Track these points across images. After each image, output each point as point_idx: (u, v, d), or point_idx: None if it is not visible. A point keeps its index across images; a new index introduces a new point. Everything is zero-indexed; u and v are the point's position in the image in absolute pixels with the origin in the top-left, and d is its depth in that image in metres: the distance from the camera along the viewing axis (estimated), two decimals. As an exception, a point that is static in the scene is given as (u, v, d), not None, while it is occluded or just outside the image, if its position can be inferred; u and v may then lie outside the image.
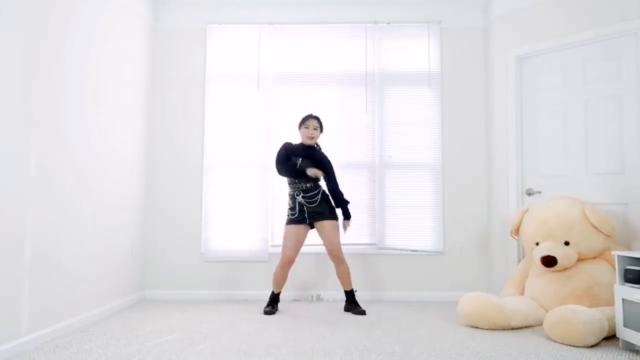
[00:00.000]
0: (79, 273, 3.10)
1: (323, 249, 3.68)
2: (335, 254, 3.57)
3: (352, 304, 3.60)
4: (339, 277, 3.62)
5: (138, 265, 4.03)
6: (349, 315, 3.50)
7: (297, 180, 3.61)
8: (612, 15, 3.38)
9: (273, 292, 3.65)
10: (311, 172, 3.56)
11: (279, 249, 4.10)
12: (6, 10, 2.41)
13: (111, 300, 3.52)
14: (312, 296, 4.12)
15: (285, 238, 3.62)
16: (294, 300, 4.07)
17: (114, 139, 3.58)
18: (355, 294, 3.66)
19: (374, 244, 4.19)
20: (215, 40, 4.35)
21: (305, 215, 3.58)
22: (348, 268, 3.62)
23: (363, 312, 3.50)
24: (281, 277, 3.62)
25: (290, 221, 3.61)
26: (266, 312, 3.52)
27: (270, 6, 4.33)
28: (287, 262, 3.59)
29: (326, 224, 3.58)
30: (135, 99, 3.96)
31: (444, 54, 4.29)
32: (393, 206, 4.21)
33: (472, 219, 4.19)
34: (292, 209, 3.62)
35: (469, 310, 3.07)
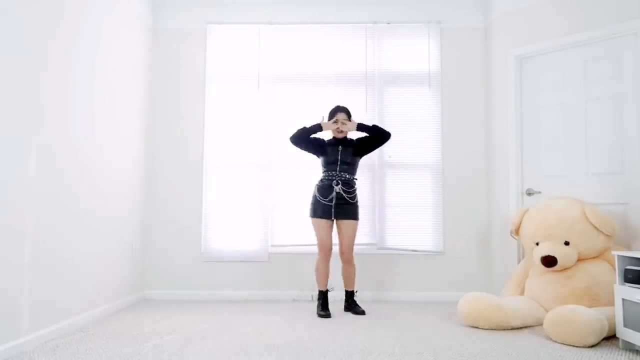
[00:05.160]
0: (79, 273, 3.10)
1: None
2: (348, 256, 3.56)
3: (351, 304, 3.60)
4: (345, 277, 3.60)
5: (138, 265, 4.03)
6: (349, 315, 3.50)
7: (338, 170, 3.54)
8: (612, 16, 3.38)
9: (322, 292, 3.54)
10: (326, 126, 3.55)
11: (279, 249, 4.12)
12: (18, 12, 2.42)
13: (111, 300, 3.52)
14: (312, 296, 4.11)
15: (317, 229, 3.54)
16: (294, 300, 4.07)
17: (117, 139, 3.59)
18: (356, 294, 3.66)
19: (374, 244, 4.18)
20: (215, 40, 4.34)
21: (332, 210, 3.51)
22: (355, 270, 3.62)
23: (363, 312, 3.50)
24: (325, 270, 3.55)
25: (316, 216, 3.54)
26: (321, 316, 3.41)
27: (270, 6, 4.32)
28: (327, 252, 3.53)
29: (349, 223, 3.55)
30: (136, 99, 3.96)
31: (444, 54, 4.29)
32: (393, 206, 4.21)
33: (472, 219, 4.19)
34: (322, 197, 3.51)
35: (469, 310, 3.07)
